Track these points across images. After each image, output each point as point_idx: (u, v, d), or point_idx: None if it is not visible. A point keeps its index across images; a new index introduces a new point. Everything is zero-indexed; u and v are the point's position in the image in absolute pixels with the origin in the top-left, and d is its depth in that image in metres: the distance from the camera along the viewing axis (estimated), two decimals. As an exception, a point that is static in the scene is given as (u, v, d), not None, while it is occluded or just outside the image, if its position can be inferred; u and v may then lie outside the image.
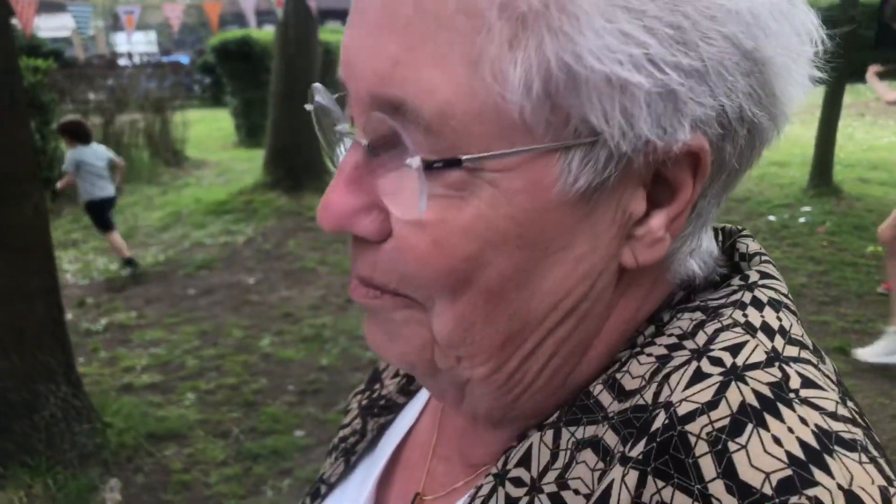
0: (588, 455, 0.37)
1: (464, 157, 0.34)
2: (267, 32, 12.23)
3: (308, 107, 0.45)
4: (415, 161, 0.34)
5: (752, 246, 0.45)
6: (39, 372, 2.46)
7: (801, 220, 5.70)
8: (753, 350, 0.35)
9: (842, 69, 5.65)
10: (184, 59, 20.19)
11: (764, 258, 0.43)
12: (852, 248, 4.98)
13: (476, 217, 0.36)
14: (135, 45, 21.48)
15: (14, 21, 4.53)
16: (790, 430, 0.32)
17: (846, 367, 3.26)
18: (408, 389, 0.60)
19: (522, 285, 0.38)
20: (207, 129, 12.68)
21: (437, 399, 0.50)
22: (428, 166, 0.35)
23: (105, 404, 2.83)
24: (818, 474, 0.30)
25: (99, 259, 5.59)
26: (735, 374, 0.34)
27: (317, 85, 0.44)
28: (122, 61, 17.22)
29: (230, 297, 4.70)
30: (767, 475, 0.31)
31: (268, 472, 2.72)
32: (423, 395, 0.59)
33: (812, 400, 0.34)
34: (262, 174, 7.45)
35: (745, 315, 0.38)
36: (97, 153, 5.19)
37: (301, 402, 3.23)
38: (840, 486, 0.30)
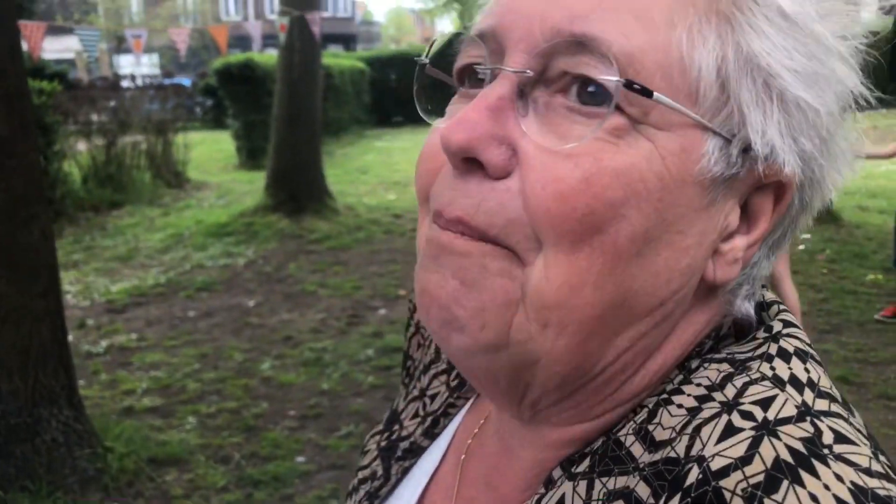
0: None
1: (655, 94, 0.36)
2: (269, 56, 12.33)
3: (421, 59, 0.45)
4: (612, 78, 0.36)
5: (769, 295, 0.46)
6: (42, 395, 2.45)
7: (801, 247, 5.72)
8: (784, 404, 0.36)
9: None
10: (185, 81, 20.30)
11: (782, 307, 0.44)
12: (852, 276, 4.99)
13: (631, 165, 0.37)
14: (137, 67, 21.63)
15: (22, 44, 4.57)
16: (826, 487, 0.32)
17: (850, 395, 3.25)
18: (431, 432, 0.60)
19: (642, 255, 0.38)
20: (209, 150, 12.74)
21: (481, 388, 0.46)
22: (628, 85, 0.36)
23: (106, 428, 2.82)
24: None
25: (100, 280, 5.58)
26: (767, 429, 0.34)
27: (421, 59, 0.45)
28: (124, 83, 17.28)
29: (230, 319, 4.69)
30: None
31: (269, 498, 2.70)
32: (445, 437, 0.58)
33: (846, 456, 0.34)
34: (264, 197, 7.47)
35: (772, 368, 0.38)
36: None
37: (302, 427, 3.21)
38: None
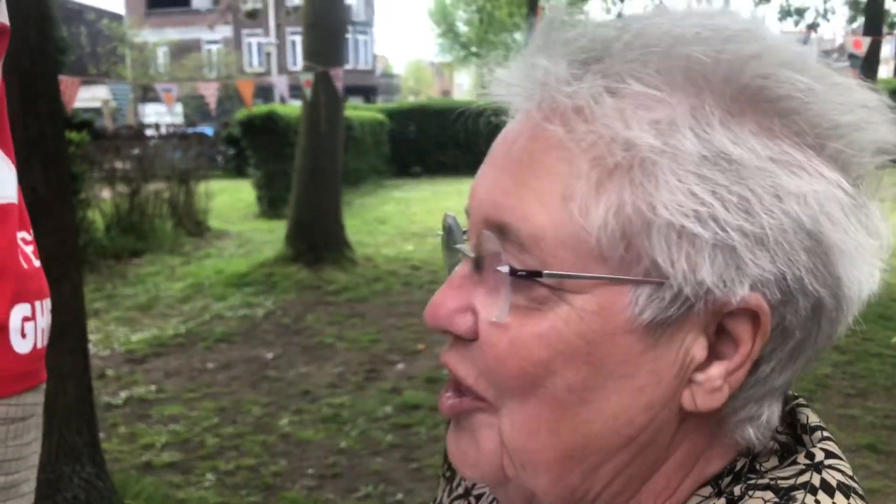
0: None
1: (544, 272, 0.41)
2: (291, 107, 12.59)
3: (438, 233, 0.54)
4: (504, 268, 0.41)
5: (812, 418, 0.47)
6: (65, 452, 2.45)
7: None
8: None
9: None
10: (208, 130, 20.74)
11: (825, 433, 0.45)
12: (878, 339, 4.93)
13: (551, 328, 0.41)
14: (161, 115, 22.14)
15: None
16: None
17: (879, 465, 3.19)
18: None
19: (587, 402, 0.42)
20: (229, 199, 12.92)
21: None
22: (513, 273, 0.41)
23: (126, 485, 2.81)
24: None
25: (120, 330, 5.63)
26: None
27: (448, 213, 0.53)
28: (149, 132, 17.69)
29: (249, 372, 4.70)
30: None
31: (286, 561, 2.67)
32: None
33: None
34: (284, 247, 7.54)
35: (816, 501, 0.39)
36: None
37: (320, 486, 3.18)
38: None
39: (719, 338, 0.41)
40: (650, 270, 0.40)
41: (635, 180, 0.39)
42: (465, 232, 0.50)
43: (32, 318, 1.00)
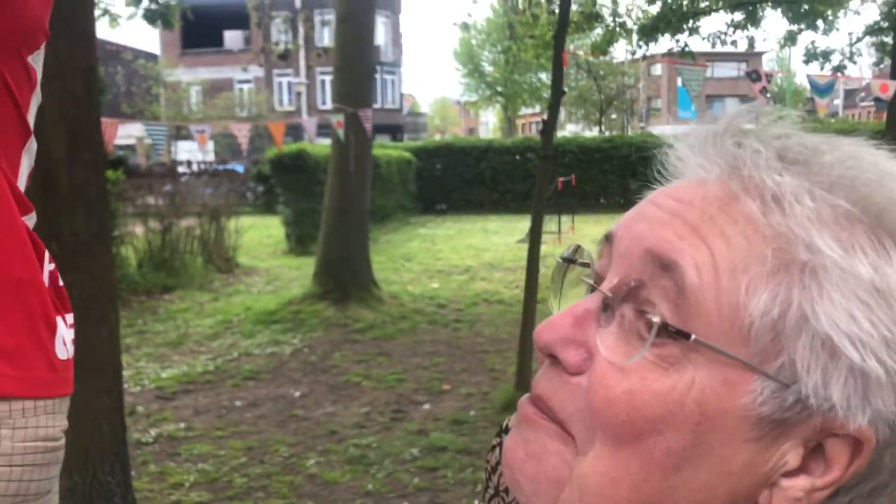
0: None
1: (693, 336, 0.40)
2: (320, 146, 12.82)
3: (559, 260, 0.52)
4: (656, 318, 0.41)
5: None
6: (98, 492, 2.49)
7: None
8: None
9: None
10: (239, 168, 21.14)
11: None
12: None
13: (672, 389, 0.41)
14: (192, 153, 22.63)
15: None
16: None
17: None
18: None
19: (679, 469, 0.42)
20: (258, 235, 13.10)
21: None
22: (664, 326, 0.41)
23: (155, 525, 2.83)
24: None
25: (150, 366, 5.70)
26: None
27: (576, 245, 0.52)
28: (181, 168, 18.08)
29: (276, 410, 4.72)
30: None
31: None
32: None
33: None
34: (311, 285, 7.62)
35: None
36: None
37: (346, 529, 3.18)
38: None
39: (813, 452, 0.42)
40: (785, 369, 0.41)
41: (806, 282, 0.40)
42: (586, 264, 0.49)
43: (69, 328, 1.06)
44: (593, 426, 0.43)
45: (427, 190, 18.67)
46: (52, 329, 1.00)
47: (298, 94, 30.37)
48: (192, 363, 5.77)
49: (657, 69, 37.46)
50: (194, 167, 19.89)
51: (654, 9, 8.76)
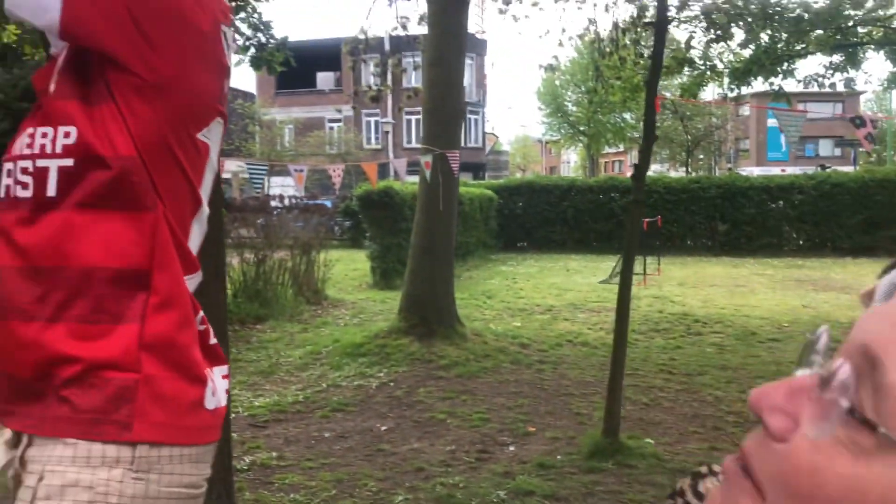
0: None
1: (879, 428, 0.41)
2: (407, 184, 13.14)
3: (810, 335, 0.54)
4: (845, 402, 0.43)
5: None
6: (206, 515, 2.62)
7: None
8: None
9: None
10: (327, 203, 21.84)
11: None
12: None
13: (857, 476, 0.42)
14: (284, 188, 23.52)
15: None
16: None
17: None
18: None
19: None
20: (344, 269, 13.46)
21: None
22: (850, 412, 0.43)
23: (254, 550, 2.94)
24: None
25: (244, 394, 5.93)
26: None
27: (824, 327, 0.53)
28: (273, 202, 18.84)
29: (363, 443, 4.82)
30: None
31: None
32: None
33: None
34: (397, 319, 7.77)
35: None
36: None
37: (434, 567, 3.20)
38: None
39: None
40: None
41: None
42: (813, 344, 0.51)
43: (223, 379, 1.17)
44: (782, 492, 0.45)
45: (508, 227, 18.74)
46: (203, 382, 1.09)
47: (386, 133, 31.23)
48: (283, 392, 5.97)
49: (746, 109, 36.55)
50: (286, 201, 20.69)
51: (747, 51, 8.63)
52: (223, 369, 1.18)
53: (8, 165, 1.06)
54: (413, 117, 33.37)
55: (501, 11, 9.80)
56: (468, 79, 33.79)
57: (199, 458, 1.09)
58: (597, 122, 33.42)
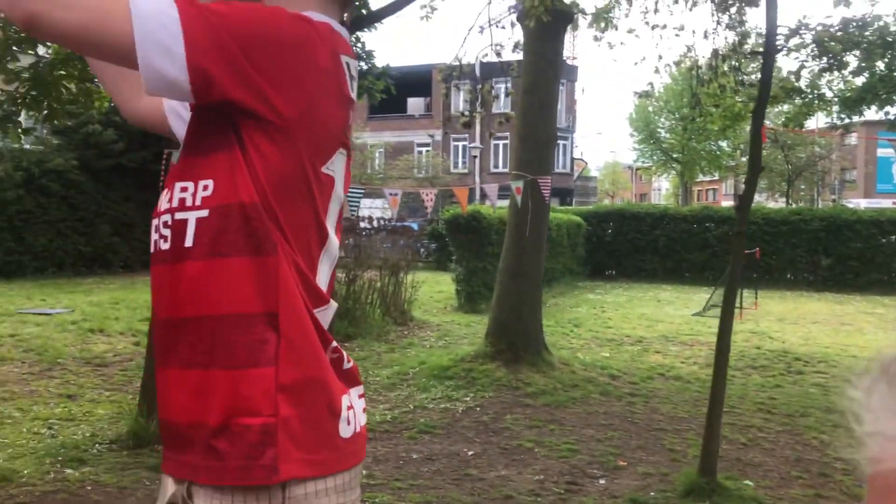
0: None
1: None
2: (495, 209, 13.16)
3: None
4: None
5: None
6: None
7: None
8: None
9: None
10: (413, 225, 22.15)
11: None
12: None
13: None
14: (372, 210, 24.04)
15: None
16: None
17: None
18: None
19: None
20: (430, 290, 13.58)
21: None
22: None
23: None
24: None
25: (334, 410, 6.05)
26: None
27: None
28: (363, 224, 19.30)
29: (451, 467, 4.83)
30: None
31: None
32: None
33: None
34: (483, 344, 7.76)
35: None
36: None
37: None
38: None
39: None
40: None
41: None
42: None
43: (352, 406, 1.19)
44: None
45: (596, 255, 18.46)
46: (337, 413, 1.12)
47: (474, 157, 31.51)
48: (372, 412, 6.05)
49: (853, 138, 34.78)
50: (374, 223, 21.16)
51: (859, 79, 8.25)
52: (359, 389, 1.21)
53: (154, 221, 1.14)
54: (501, 142, 33.54)
55: (597, 39, 9.75)
56: (558, 104, 33.76)
57: (345, 485, 1.12)
58: (691, 149, 32.54)
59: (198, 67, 0.97)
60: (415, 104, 37.49)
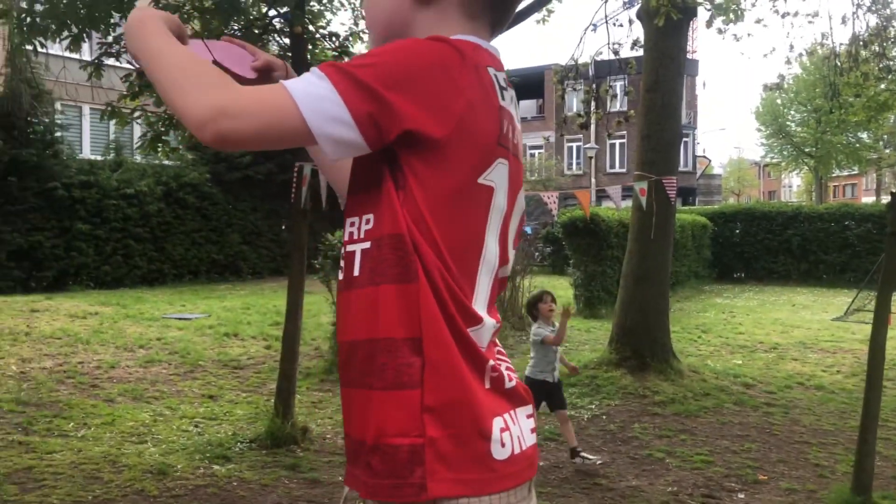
0: None
1: None
2: (611, 210, 12.84)
3: None
4: None
5: None
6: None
7: None
8: None
9: None
10: (527, 228, 22.05)
11: None
12: None
13: None
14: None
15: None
16: None
17: None
18: None
19: None
20: (547, 296, 13.39)
21: None
22: None
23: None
24: None
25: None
26: None
27: None
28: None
29: (579, 476, 4.73)
30: None
31: None
32: None
33: None
34: (607, 351, 7.57)
35: None
36: (535, 332, 5.29)
37: None
38: None
39: None
40: None
41: None
42: None
43: (507, 427, 1.16)
44: None
45: (723, 257, 17.63)
46: (486, 435, 1.10)
47: (590, 158, 30.96)
48: (495, 417, 6.03)
49: None
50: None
51: None
52: (527, 409, 1.19)
53: (342, 251, 1.23)
54: (617, 142, 32.74)
55: (720, 31, 9.32)
56: (677, 101, 32.58)
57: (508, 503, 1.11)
58: (825, 142, 30.37)
59: (364, 121, 1.05)
60: (527, 106, 37.32)
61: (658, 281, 7.57)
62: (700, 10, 8.28)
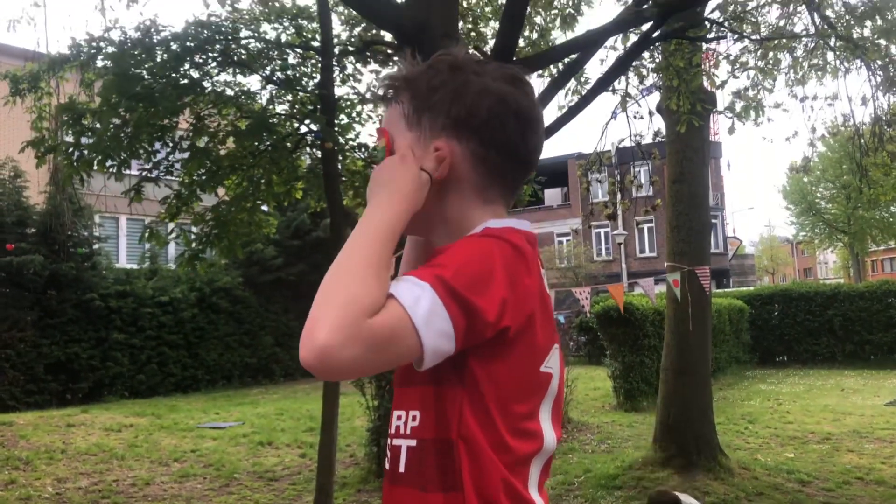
0: None
1: None
2: (644, 297, 12.67)
3: None
4: None
5: None
6: None
7: None
8: None
9: None
10: (560, 318, 21.81)
11: None
12: None
13: None
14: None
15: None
16: None
17: None
18: None
19: None
20: (584, 387, 13.12)
21: None
22: None
23: None
24: None
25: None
26: None
27: None
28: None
29: None
30: None
31: None
32: None
33: None
34: (651, 449, 7.29)
35: None
36: None
37: None
38: None
39: None
40: None
41: None
42: None
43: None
44: None
45: (764, 340, 17.19)
46: None
47: (619, 244, 30.92)
48: (539, 527, 5.77)
49: None
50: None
51: None
52: None
53: (388, 441, 1.23)
54: (645, 226, 32.75)
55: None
56: (701, 184, 32.71)
57: None
58: (858, 217, 30.00)
59: (462, 333, 1.02)
60: (552, 195, 37.75)
61: (700, 374, 7.35)
62: (721, 117, 8.41)
